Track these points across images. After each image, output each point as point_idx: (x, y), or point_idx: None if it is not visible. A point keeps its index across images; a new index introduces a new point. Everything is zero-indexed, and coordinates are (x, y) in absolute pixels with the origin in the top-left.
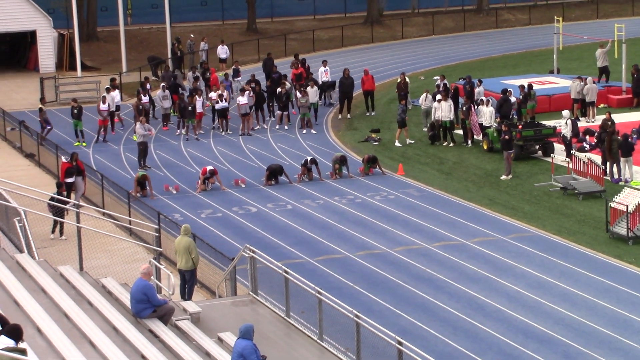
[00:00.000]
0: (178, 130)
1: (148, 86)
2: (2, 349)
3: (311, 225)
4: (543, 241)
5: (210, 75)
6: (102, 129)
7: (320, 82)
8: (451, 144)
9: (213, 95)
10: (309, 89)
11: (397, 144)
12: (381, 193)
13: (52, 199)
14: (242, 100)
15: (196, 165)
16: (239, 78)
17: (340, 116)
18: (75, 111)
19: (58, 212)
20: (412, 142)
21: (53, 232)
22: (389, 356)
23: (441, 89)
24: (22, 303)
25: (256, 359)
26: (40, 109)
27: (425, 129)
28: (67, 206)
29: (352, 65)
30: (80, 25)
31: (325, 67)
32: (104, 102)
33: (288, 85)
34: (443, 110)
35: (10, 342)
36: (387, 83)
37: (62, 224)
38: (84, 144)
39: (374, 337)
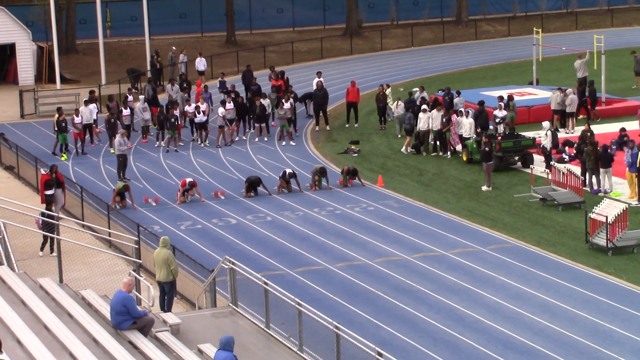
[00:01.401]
0: (157, 142)
1: (131, 98)
2: None
3: (291, 237)
4: (523, 252)
5: (190, 88)
6: (79, 142)
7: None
8: (441, 153)
9: (189, 109)
10: (287, 102)
11: (406, 150)
12: (361, 204)
13: (42, 214)
14: (221, 111)
15: (175, 177)
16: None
17: (317, 128)
18: (64, 124)
19: (48, 229)
20: (405, 151)
21: (42, 249)
22: None
23: (418, 101)
24: (2, 315)
25: None
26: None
27: (399, 136)
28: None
29: (332, 77)
30: (59, 37)
31: (319, 77)
32: (77, 115)
33: (267, 100)
34: (434, 121)
35: None
36: (367, 95)
37: (52, 240)
38: (65, 156)
39: (354, 348)
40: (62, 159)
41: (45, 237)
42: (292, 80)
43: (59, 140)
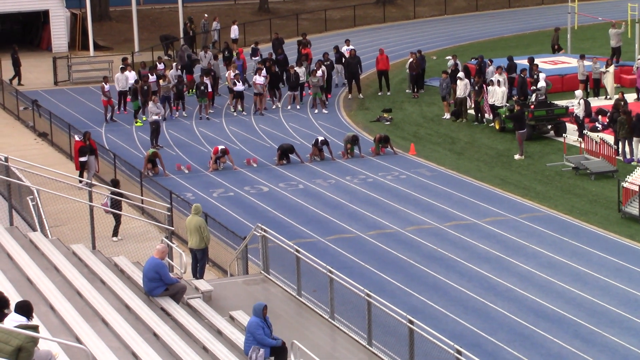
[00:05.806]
0: (177, 113)
1: (162, 65)
2: (15, 326)
3: (323, 205)
4: (555, 221)
5: (233, 56)
6: (109, 109)
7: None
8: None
9: (230, 74)
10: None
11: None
12: (393, 173)
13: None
14: (259, 79)
15: (208, 144)
16: (257, 58)
17: (350, 96)
18: (146, 88)
19: (117, 211)
20: (445, 117)
21: (114, 234)
22: (400, 335)
23: (450, 69)
24: (35, 281)
25: (262, 334)
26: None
27: (408, 91)
28: (81, 185)
29: (364, 45)
30: (93, 4)
31: (348, 46)
32: (106, 83)
33: (302, 69)
34: (459, 90)
35: (22, 319)
36: (399, 63)
37: (118, 224)
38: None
39: (385, 316)
40: (137, 124)
41: (116, 220)
42: (325, 48)
43: (134, 106)
